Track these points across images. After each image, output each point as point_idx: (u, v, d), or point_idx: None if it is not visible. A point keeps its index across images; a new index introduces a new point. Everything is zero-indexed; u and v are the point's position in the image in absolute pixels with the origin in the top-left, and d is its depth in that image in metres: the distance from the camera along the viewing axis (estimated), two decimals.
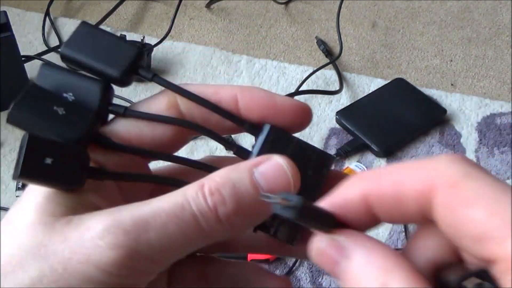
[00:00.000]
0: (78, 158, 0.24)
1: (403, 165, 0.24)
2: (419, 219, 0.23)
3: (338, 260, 0.23)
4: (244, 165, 0.25)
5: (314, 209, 0.23)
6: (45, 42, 0.90)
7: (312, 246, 0.24)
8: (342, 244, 0.23)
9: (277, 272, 0.66)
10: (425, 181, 0.22)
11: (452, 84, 0.87)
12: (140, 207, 0.24)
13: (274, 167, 0.25)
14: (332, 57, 0.89)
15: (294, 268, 0.67)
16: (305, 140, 0.28)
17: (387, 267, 0.22)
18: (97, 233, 0.23)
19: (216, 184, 0.24)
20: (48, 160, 0.23)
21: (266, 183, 0.25)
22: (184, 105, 0.28)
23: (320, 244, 0.24)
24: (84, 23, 0.27)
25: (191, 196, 0.24)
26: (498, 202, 0.21)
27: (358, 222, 0.24)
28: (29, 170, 0.23)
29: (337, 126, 0.81)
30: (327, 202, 0.24)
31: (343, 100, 0.84)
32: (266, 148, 0.27)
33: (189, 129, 0.28)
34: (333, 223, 0.24)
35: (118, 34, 0.86)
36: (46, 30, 0.92)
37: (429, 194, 0.22)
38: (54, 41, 0.90)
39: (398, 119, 0.81)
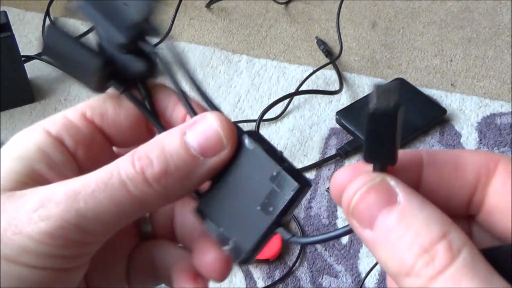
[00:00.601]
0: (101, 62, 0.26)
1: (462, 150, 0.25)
2: (466, 200, 0.24)
3: (383, 206, 0.22)
4: (178, 128, 0.25)
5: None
6: None
7: (352, 186, 0.22)
8: (393, 189, 0.22)
9: (277, 272, 0.66)
10: (489, 156, 0.23)
11: (452, 84, 0.87)
12: (75, 180, 0.24)
13: (207, 128, 0.25)
14: (332, 57, 0.89)
15: (294, 268, 0.67)
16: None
17: (446, 219, 0.21)
18: (31, 207, 0.23)
19: (146, 148, 0.24)
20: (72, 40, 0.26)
21: (198, 145, 0.25)
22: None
23: (363, 182, 0.22)
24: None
25: (121, 163, 0.24)
26: None
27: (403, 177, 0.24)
28: (54, 35, 0.25)
29: (337, 126, 0.81)
30: None
31: (343, 100, 0.84)
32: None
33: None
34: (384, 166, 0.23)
35: None
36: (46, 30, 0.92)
37: (490, 164, 0.23)
38: None
39: None
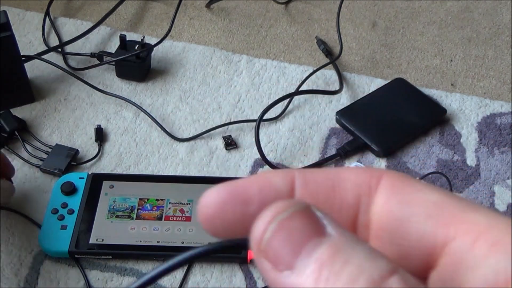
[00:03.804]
0: None
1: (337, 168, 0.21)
2: (350, 224, 0.20)
3: (308, 239, 0.17)
4: None
5: None
6: (45, 42, 0.90)
7: (265, 214, 0.18)
8: (320, 220, 0.18)
9: None
10: (370, 173, 0.20)
11: (452, 84, 0.87)
12: None
13: None
14: (332, 57, 0.89)
15: None
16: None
17: (389, 258, 0.17)
18: None
19: None
20: None
21: None
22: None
23: (281, 209, 0.18)
24: None
25: None
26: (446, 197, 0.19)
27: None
28: None
29: (337, 126, 0.81)
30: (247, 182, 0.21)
31: (343, 100, 0.84)
32: None
33: None
34: None
35: (118, 34, 0.86)
36: (46, 30, 0.92)
37: (371, 181, 0.20)
38: (54, 41, 0.90)
39: (398, 119, 0.81)
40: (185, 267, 0.66)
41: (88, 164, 0.75)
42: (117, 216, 0.68)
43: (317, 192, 0.20)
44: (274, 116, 0.81)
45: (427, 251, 0.18)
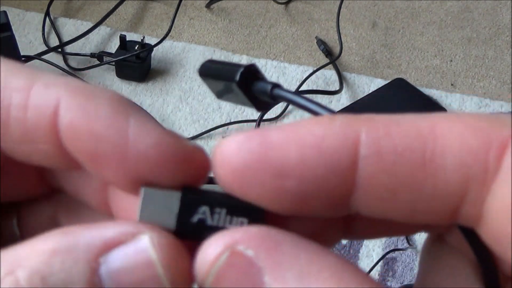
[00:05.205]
0: None
1: (432, 115, 0.14)
2: (446, 214, 0.14)
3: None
4: (84, 248, 0.14)
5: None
6: (45, 42, 0.90)
7: (201, 261, 0.14)
8: (256, 263, 0.14)
9: None
10: (483, 137, 0.13)
11: (452, 84, 0.87)
12: None
13: (136, 260, 0.14)
14: (332, 57, 0.89)
15: None
16: None
17: None
18: None
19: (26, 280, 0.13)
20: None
21: None
22: None
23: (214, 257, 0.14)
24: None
25: None
26: None
27: (325, 198, 0.14)
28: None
29: None
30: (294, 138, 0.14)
31: (343, 100, 0.84)
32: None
33: None
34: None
35: (118, 34, 0.86)
36: (46, 30, 0.92)
37: (488, 153, 0.13)
38: (54, 41, 0.90)
39: None
40: None
41: None
42: None
43: (397, 169, 0.13)
44: (274, 116, 0.81)
45: None
